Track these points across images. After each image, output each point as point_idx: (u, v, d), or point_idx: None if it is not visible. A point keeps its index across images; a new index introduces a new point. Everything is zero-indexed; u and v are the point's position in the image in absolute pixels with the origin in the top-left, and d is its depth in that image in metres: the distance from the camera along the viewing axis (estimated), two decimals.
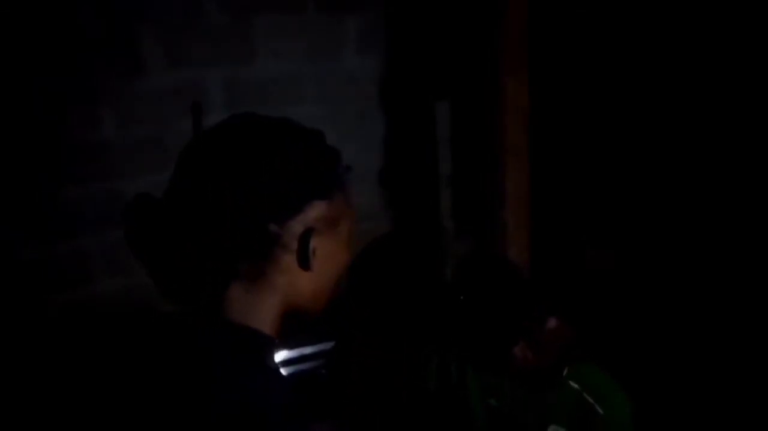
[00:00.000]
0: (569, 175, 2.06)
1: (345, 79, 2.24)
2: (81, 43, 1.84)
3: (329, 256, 0.77)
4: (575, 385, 1.45)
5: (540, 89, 1.97)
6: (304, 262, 0.74)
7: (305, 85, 2.17)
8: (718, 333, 1.69)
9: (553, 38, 1.99)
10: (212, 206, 0.70)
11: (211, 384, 0.70)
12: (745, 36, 1.62)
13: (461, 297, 1.50)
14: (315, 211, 0.74)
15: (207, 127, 0.78)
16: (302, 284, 0.76)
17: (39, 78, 1.82)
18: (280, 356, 2.15)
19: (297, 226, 0.73)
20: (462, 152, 2.17)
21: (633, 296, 1.92)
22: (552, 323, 1.40)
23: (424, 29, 2.21)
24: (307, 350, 2.12)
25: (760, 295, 1.59)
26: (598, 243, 2.03)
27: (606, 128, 1.98)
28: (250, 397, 0.68)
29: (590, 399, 1.42)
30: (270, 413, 0.67)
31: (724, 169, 1.69)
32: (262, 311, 0.76)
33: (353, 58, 2.24)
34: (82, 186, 1.94)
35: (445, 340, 1.67)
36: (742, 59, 1.64)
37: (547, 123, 2.02)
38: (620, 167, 1.96)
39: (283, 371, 2.15)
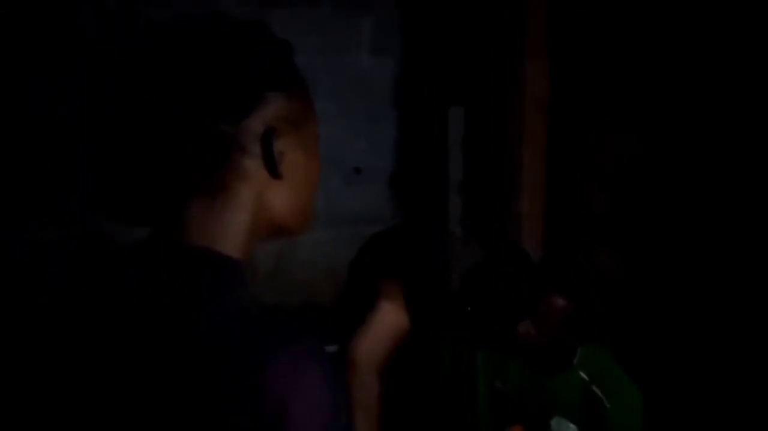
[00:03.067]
0: (583, 170, 2.03)
1: (358, 78, 2.22)
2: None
3: (299, 163, 0.68)
4: (584, 375, 1.39)
5: (560, 78, 1.94)
6: (272, 167, 0.65)
7: (318, 81, 2.14)
8: (728, 336, 1.66)
9: (574, 25, 1.96)
10: (152, 107, 0.62)
11: (169, 317, 0.60)
12: None
13: (468, 308, 1.48)
14: (273, 107, 0.65)
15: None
16: (275, 198, 0.67)
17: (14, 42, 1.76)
18: None
19: (255, 125, 0.64)
20: (473, 158, 2.14)
21: (642, 295, 1.89)
22: (558, 302, 1.37)
23: (439, 30, 2.18)
24: None
25: None
26: (608, 242, 1.99)
27: (624, 122, 1.94)
28: (211, 330, 0.58)
29: (598, 392, 1.36)
30: (229, 347, 0.57)
31: (742, 173, 1.66)
32: (228, 232, 0.65)
33: (367, 58, 2.21)
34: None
35: (454, 326, 1.65)
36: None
37: (566, 112, 1.99)
38: (634, 165, 1.93)
39: None
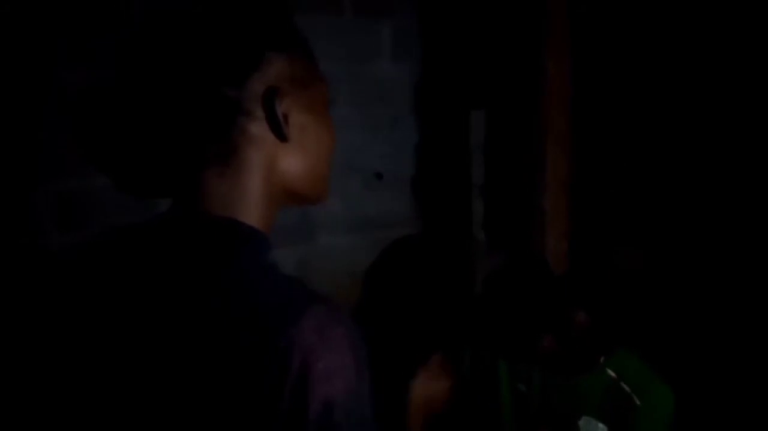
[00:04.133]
0: (605, 168, 2.02)
1: (378, 84, 2.22)
2: None
3: (307, 125, 0.67)
4: (612, 373, 1.36)
5: (583, 73, 1.93)
6: (277, 129, 0.64)
7: (338, 87, 2.15)
8: (754, 334, 1.63)
9: (596, 20, 1.95)
10: (153, 79, 0.62)
11: (195, 288, 0.59)
12: None
13: (490, 314, 1.47)
14: (274, 67, 0.64)
15: None
16: (286, 163, 0.67)
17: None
18: None
19: (257, 86, 0.63)
20: (495, 161, 2.13)
21: (668, 292, 1.87)
22: (580, 317, 1.35)
23: (460, 35, 2.18)
24: None
25: None
26: (628, 240, 1.98)
27: (649, 117, 1.93)
28: (240, 293, 0.58)
29: (627, 389, 1.33)
30: (258, 307, 0.57)
31: (761, 173, 1.64)
32: (245, 199, 0.64)
33: (388, 64, 2.22)
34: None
35: (476, 334, 1.64)
36: None
37: (589, 110, 1.99)
38: (655, 164, 1.91)
39: None
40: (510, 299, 1.42)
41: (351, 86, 2.18)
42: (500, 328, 1.46)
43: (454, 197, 2.23)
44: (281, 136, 0.65)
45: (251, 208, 0.65)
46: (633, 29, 1.93)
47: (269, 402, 0.55)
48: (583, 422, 1.39)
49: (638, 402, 1.31)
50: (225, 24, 0.63)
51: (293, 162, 0.67)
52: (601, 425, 1.37)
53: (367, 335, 0.85)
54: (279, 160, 0.66)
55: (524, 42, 1.94)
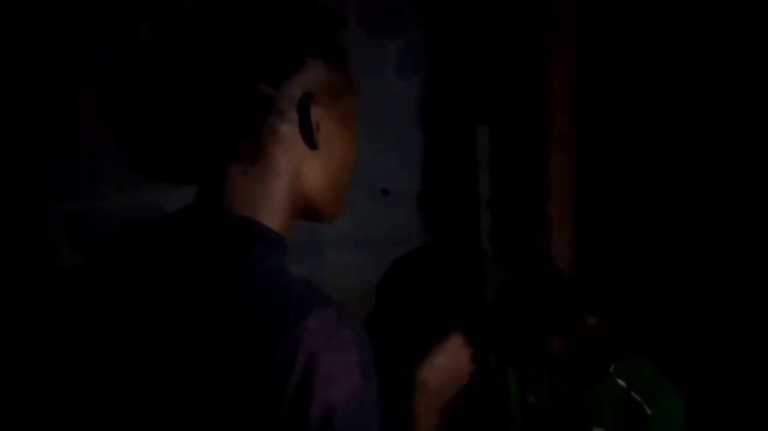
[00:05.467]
0: (610, 172, 2.02)
1: (385, 99, 2.24)
2: None
3: (335, 136, 0.69)
4: (622, 382, 1.36)
5: (587, 79, 1.93)
6: (308, 134, 0.65)
7: None
8: (754, 340, 1.62)
9: (601, 27, 1.96)
10: (194, 67, 0.63)
11: (205, 285, 0.60)
12: None
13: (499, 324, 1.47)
14: (313, 73, 0.65)
15: None
16: (310, 170, 0.67)
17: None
18: None
19: (294, 89, 0.64)
20: (501, 174, 2.13)
21: (668, 299, 1.86)
22: (589, 321, 1.35)
23: (465, 49, 2.19)
24: None
25: None
26: (635, 245, 1.97)
27: (653, 121, 1.93)
28: (247, 299, 0.58)
29: (638, 398, 1.32)
30: (262, 312, 0.57)
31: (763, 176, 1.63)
32: (266, 200, 0.65)
33: (393, 79, 2.23)
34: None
35: (486, 344, 1.64)
36: None
37: (593, 114, 1.98)
38: (661, 168, 1.91)
39: None
40: (521, 302, 1.42)
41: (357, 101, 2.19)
42: (511, 331, 1.45)
43: (461, 210, 2.24)
44: (311, 142, 0.66)
45: (271, 209, 0.66)
46: (636, 33, 1.93)
47: (271, 401, 0.55)
48: None
49: (649, 411, 1.31)
50: (273, 24, 0.64)
51: (316, 170, 0.68)
52: None
53: (376, 345, 0.84)
54: (303, 166, 0.67)
55: (527, 48, 1.94)
